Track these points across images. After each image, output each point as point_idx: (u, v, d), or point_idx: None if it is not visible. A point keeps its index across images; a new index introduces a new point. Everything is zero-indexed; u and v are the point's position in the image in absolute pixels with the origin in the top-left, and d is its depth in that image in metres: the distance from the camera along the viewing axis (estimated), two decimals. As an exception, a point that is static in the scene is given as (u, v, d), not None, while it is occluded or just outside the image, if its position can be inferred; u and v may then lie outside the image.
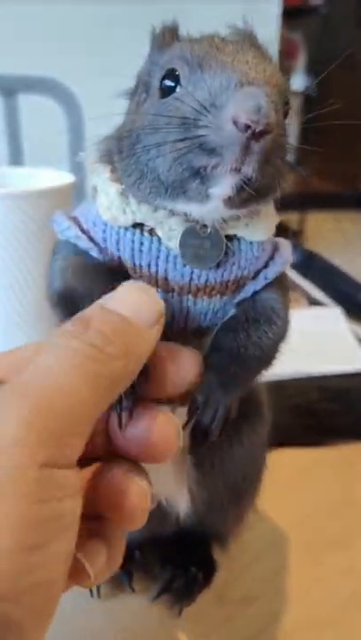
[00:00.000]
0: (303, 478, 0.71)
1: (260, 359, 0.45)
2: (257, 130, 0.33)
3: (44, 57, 2.07)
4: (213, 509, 0.54)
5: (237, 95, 0.34)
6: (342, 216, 3.78)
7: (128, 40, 1.46)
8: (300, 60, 3.87)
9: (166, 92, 0.39)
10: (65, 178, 0.86)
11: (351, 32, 4.25)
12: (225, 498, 0.53)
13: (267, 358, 0.46)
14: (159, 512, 0.54)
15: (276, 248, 0.46)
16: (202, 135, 0.35)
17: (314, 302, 1.12)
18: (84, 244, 0.44)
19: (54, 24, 2.42)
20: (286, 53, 3.71)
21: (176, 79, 0.39)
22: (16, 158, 1.73)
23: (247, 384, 0.46)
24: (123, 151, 0.42)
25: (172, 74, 0.39)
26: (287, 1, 3.19)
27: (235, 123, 0.34)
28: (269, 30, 2.89)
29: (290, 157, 0.41)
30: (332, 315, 1.05)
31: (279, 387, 0.76)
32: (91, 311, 0.36)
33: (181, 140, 0.36)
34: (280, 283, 0.46)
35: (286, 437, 0.73)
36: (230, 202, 0.37)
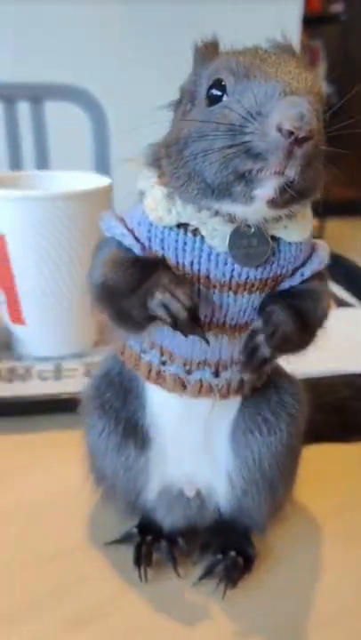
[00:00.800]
0: (335, 473, 0.72)
1: (306, 322, 0.47)
2: (300, 136, 0.36)
3: (69, 65, 2.11)
4: (251, 498, 0.56)
5: (282, 103, 0.37)
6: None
7: (151, 49, 1.49)
8: (321, 68, 3.87)
9: (214, 100, 0.42)
10: (103, 180, 0.89)
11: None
12: (262, 487, 0.55)
13: (311, 326, 0.48)
14: (199, 501, 0.57)
15: (313, 249, 0.49)
16: (248, 141, 0.38)
17: (341, 304, 1.13)
18: (128, 240, 0.47)
19: (75, 30, 2.46)
20: (307, 61, 3.72)
21: (223, 88, 0.41)
22: (41, 164, 1.76)
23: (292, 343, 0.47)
24: (171, 156, 0.44)
25: (218, 83, 0.42)
26: (308, 8, 3.21)
27: (279, 129, 0.36)
28: (290, 36, 2.92)
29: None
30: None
31: (310, 385, 0.77)
32: None
33: (229, 147, 0.39)
34: (319, 277, 0.49)
35: (317, 434, 0.75)
36: (273, 203, 0.40)
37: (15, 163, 1.74)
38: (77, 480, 0.62)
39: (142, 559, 0.56)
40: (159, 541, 0.58)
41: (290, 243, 0.46)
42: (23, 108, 1.83)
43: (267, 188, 0.39)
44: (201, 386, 0.51)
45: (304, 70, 0.41)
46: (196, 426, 0.54)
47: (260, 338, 0.44)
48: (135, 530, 0.59)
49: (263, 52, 0.43)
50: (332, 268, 1.23)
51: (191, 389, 0.51)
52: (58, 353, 0.91)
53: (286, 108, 0.36)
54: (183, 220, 0.45)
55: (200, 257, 0.45)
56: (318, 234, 3.70)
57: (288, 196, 0.39)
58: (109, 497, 0.61)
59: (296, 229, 0.45)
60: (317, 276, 0.48)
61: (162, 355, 0.51)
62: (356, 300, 1.15)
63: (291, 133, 0.36)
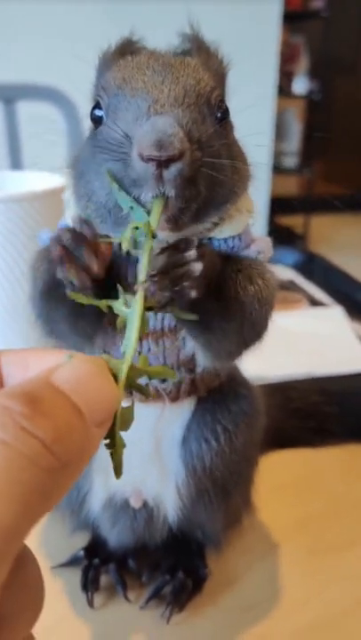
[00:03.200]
0: (304, 480, 0.69)
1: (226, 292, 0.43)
2: (163, 159, 0.34)
3: (42, 65, 2.08)
4: (203, 509, 0.52)
5: (142, 129, 0.35)
6: (346, 219, 3.77)
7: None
8: (303, 64, 3.86)
9: (97, 122, 0.41)
10: (57, 180, 0.85)
11: (353, 35, 4.25)
12: (214, 497, 0.52)
13: (231, 302, 0.43)
14: (146, 514, 0.53)
15: (253, 241, 0.46)
16: (125, 167, 0.37)
17: (315, 303, 1.10)
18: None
19: (51, 30, 2.43)
20: (288, 57, 3.70)
21: (101, 109, 0.41)
22: (16, 164, 1.73)
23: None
24: (74, 176, 0.44)
25: (98, 105, 0.41)
26: (288, 5, 3.19)
27: (141, 157, 0.35)
28: (270, 33, 2.90)
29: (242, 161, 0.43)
30: (334, 314, 1.04)
31: (281, 389, 0.74)
32: (40, 389, 0.26)
33: (112, 171, 0.38)
34: (258, 270, 0.45)
35: (288, 440, 0.72)
36: (174, 223, 0.38)
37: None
38: None
39: (89, 584, 0.53)
40: (107, 564, 0.54)
41: (225, 239, 0.44)
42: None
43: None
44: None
45: (186, 74, 0.39)
46: (144, 433, 0.50)
47: (192, 253, 0.38)
48: (82, 552, 0.55)
49: (151, 57, 0.41)
50: (308, 267, 1.21)
51: (139, 396, 0.47)
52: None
53: (145, 133, 0.35)
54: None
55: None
56: (303, 230, 3.69)
57: (188, 213, 0.38)
58: (55, 508, 0.57)
59: (228, 227, 0.44)
60: (255, 267, 0.45)
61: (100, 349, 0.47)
62: (329, 299, 1.11)
63: (152, 159, 0.35)
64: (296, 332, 0.95)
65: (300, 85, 3.82)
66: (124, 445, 0.33)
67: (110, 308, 0.35)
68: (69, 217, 0.46)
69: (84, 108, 0.44)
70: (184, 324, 0.44)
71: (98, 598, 0.53)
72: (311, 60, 3.85)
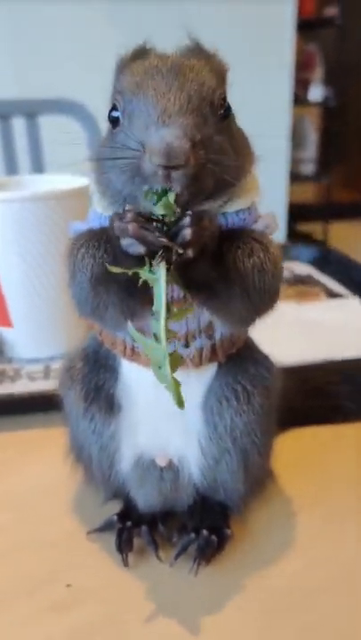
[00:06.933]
0: (320, 455, 0.72)
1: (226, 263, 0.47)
2: (170, 165, 0.41)
3: (62, 80, 2.14)
4: (225, 468, 0.56)
5: (152, 139, 0.42)
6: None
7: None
8: (318, 72, 3.89)
9: (114, 123, 0.48)
10: (81, 181, 0.90)
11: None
12: (235, 456, 0.56)
13: (232, 271, 0.48)
14: (172, 473, 0.58)
15: (260, 217, 0.52)
16: (138, 166, 0.43)
17: (333, 295, 1.14)
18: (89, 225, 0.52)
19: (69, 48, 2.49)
20: (304, 65, 3.74)
21: (118, 110, 0.47)
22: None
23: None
24: (95, 170, 0.50)
25: (114, 107, 0.48)
26: (302, 13, 3.23)
27: (151, 162, 0.41)
28: (284, 41, 2.93)
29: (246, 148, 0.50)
30: (351, 304, 1.08)
31: (297, 371, 0.78)
32: None
33: (127, 168, 0.45)
34: (263, 245, 0.49)
35: (304, 418, 0.76)
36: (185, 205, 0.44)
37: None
38: (60, 476, 0.65)
39: (123, 545, 0.57)
40: (139, 527, 0.58)
41: (236, 212, 0.50)
42: (19, 124, 1.86)
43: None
44: None
45: (189, 80, 0.45)
46: (169, 396, 0.54)
47: (187, 219, 0.43)
48: (115, 517, 0.60)
49: (160, 61, 0.47)
50: (324, 261, 1.25)
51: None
52: (47, 354, 0.92)
53: (155, 144, 0.41)
54: None
55: None
56: (323, 237, 3.71)
57: (196, 201, 0.44)
58: (87, 475, 0.63)
59: (237, 202, 0.50)
60: (260, 239, 0.49)
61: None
62: (346, 291, 1.15)
63: (161, 165, 0.41)
64: (314, 321, 0.99)
65: (316, 93, 3.86)
66: (179, 384, 0.43)
67: (137, 274, 0.43)
68: (97, 205, 0.52)
69: (103, 120, 0.51)
70: (191, 291, 0.48)
71: (131, 559, 0.57)
72: (326, 68, 3.89)
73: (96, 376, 0.58)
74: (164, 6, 2.53)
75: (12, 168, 1.86)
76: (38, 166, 1.86)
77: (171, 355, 0.42)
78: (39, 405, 0.81)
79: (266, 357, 0.59)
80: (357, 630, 0.50)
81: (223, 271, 0.47)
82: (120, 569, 0.56)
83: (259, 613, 0.51)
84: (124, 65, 0.49)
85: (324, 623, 0.50)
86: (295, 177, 3.59)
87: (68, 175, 0.98)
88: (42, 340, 0.92)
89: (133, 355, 0.55)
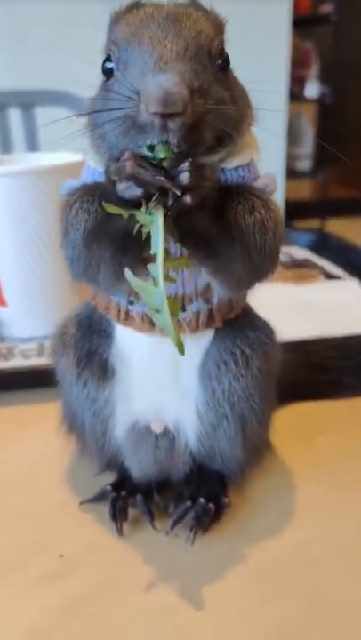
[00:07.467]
0: (321, 428, 0.71)
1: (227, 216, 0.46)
2: (167, 113, 0.39)
3: (57, 71, 2.13)
4: (221, 434, 0.55)
5: (148, 86, 0.40)
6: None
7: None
8: (314, 69, 3.90)
9: (108, 73, 0.46)
10: (75, 157, 0.89)
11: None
12: (232, 422, 0.54)
13: (232, 227, 0.46)
14: (168, 441, 0.56)
15: (259, 176, 0.50)
16: (133, 116, 0.41)
17: (331, 277, 1.13)
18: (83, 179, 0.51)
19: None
20: (300, 62, 3.75)
21: (112, 61, 0.45)
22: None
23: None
24: (90, 124, 0.48)
25: (108, 57, 0.46)
26: (298, 10, 3.23)
27: (147, 111, 0.39)
28: (280, 37, 2.93)
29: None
30: (349, 285, 1.07)
31: (299, 346, 0.77)
32: None
33: (122, 120, 0.42)
34: (263, 202, 0.48)
35: (305, 392, 0.75)
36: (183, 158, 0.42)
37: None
38: (53, 449, 0.64)
39: (118, 514, 0.55)
40: (134, 496, 0.57)
41: (235, 168, 0.48)
42: (14, 115, 1.85)
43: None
44: None
45: (186, 29, 0.43)
46: (165, 361, 0.53)
47: (186, 164, 0.42)
48: (109, 487, 0.58)
49: (155, 10, 0.45)
50: (322, 245, 1.24)
51: (160, 329, 0.50)
52: (41, 333, 0.90)
53: (152, 90, 0.39)
54: None
55: None
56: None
57: (195, 153, 0.42)
58: (81, 444, 0.61)
59: (237, 158, 0.48)
60: (260, 197, 0.48)
61: (129, 295, 0.51)
62: (344, 273, 1.14)
63: (158, 113, 0.39)
64: (313, 301, 0.98)
65: (312, 90, 3.86)
66: (178, 328, 0.43)
67: (133, 216, 0.42)
68: (91, 160, 0.50)
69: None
70: (189, 247, 0.47)
71: (126, 528, 0.55)
72: (322, 65, 3.89)
73: (89, 341, 0.57)
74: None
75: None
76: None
77: (169, 298, 0.41)
78: (31, 381, 0.79)
79: (265, 324, 0.57)
80: (358, 601, 0.48)
81: (223, 227, 0.45)
82: (114, 539, 0.55)
83: (258, 583, 0.50)
84: (119, 16, 0.48)
85: (325, 593, 0.49)
86: (291, 173, 3.59)
87: (57, 153, 0.97)
88: (36, 318, 0.90)
89: (128, 319, 0.53)
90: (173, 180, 0.41)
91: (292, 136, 3.58)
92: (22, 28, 2.62)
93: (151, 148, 0.41)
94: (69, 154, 0.94)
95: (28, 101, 1.86)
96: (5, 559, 0.53)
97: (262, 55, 2.91)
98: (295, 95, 3.53)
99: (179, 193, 0.41)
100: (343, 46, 3.76)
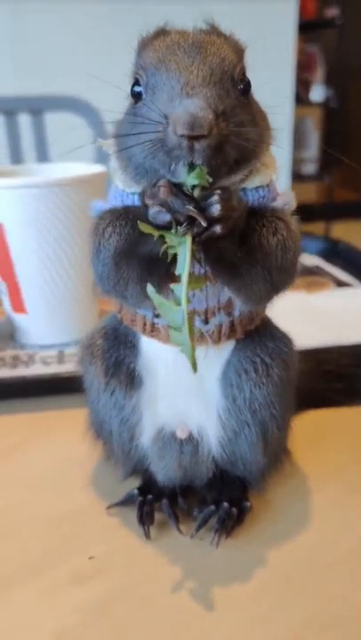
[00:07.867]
0: (336, 435, 0.73)
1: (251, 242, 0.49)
2: (193, 135, 0.42)
3: (66, 76, 2.15)
4: (242, 440, 0.57)
5: (176, 111, 0.43)
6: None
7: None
8: (319, 73, 3.91)
9: (136, 97, 0.49)
10: (97, 168, 0.91)
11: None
12: (254, 429, 0.56)
13: (258, 251, 0.49)
14: (192, 447, 0.58)
15: (278, 194, 0.53)
16: (162, 139, 0.44)
17: (341, 284, 1.15)
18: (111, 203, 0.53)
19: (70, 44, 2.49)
20: (305, 66, 3.76)
21: (140, 85, 0.48)
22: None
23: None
24: (117, 145, 0.51)
25: (137, 82, 0.49)
26: (303, 14, 3.25)
27: (175, 134, 0.42)
28: (286, 41, 2.94)
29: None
30: (359, 293, 1.09)
31: (313, 354, 0.79)
32: None
33: (150, 143, 0.45)
34: (284, 222, 0.51)
35: (319, 401, 0.77)
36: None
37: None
38: (79, 453, 0.66)
39: (145, 518, 0.58)
40: (160, 500, 0.59)
41: (256, 188, 0.51)
42: (24, 121, 1.87)
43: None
44: None
45: (210, 55, 0.46)
46: (188, 371, 0.55)
47: (216, 197, 0.45)
48: (136, 491, 0.60)
49: (181, 37, 0.48)
50: (333, 252, 1.26)
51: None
52: (61, 340, 0.93)
53: (180, 114, 0.42)
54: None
55: None
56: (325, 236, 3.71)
57: (219, 174, 0.45)
58: (107, 451, 0.63)
59: (257, 178, 0.51)
60: (282, 217, 0.51)
61: (154, 308, 0.53)
62: (354, 280, 1.16)
63: (184, 136, 0.42)
64: (324, 309, 1.00)
65: (318, 93, 3.88)
66: (194, 347, 0.45)
67: (163, 237, 0.45)
68: (119, 181, 0.53)
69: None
70: (215, 271, 0.49)
71: (152, 532, 0.57)
72: (327, 68, 3.91)
73: (116, 352, 0.59)
74: (167, 5, 2.53)
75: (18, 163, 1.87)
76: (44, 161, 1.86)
77: (189, 317, 0.44)
78: (52, 388, 0.82)
79: (284, 334, 0.60)
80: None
81: (248, 251, 0.48)
82: (141, 542, 0.57)
83: (279, 585, 0.52)
84: (146, 42, 0.50)
85: (344, 595, 0.51)
86: (297, 177, 3.60)
87: (72, 163, 0.99)
88: (56, 326, 0.93)
89: (153, 331, 0.55)
90: (203, 210, 0.44)
91: (299, 139, 3.60)
92: (27, 32, 2.64)
93: (191, 167, 0.44)
94: (82, 164, 0.96)
95: (36, 107, 1.88)
96: (36, 560, 0.55)
97: (268, 58, 2.92)
98: (301, 99, 3.55)
99: (204, 224, 0.43)
100: (348, 50, 3.77)
